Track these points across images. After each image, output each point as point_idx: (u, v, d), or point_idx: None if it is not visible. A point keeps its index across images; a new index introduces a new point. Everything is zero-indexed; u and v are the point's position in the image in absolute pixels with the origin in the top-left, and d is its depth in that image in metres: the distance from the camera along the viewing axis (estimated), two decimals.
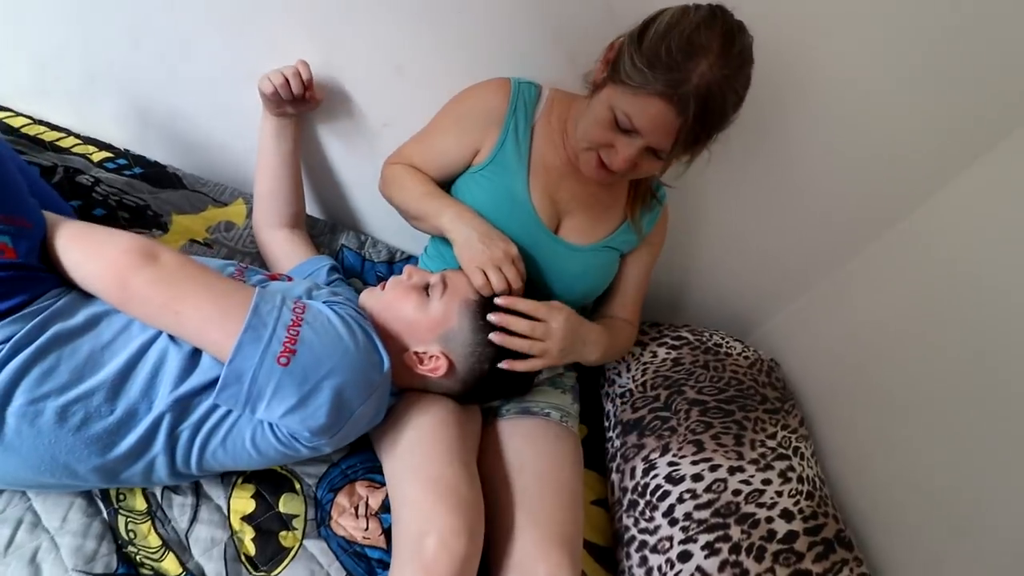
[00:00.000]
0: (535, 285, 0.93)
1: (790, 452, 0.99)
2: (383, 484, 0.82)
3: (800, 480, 0.95)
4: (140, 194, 1.03)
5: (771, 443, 0.99)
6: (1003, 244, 0.93)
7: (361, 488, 0.84)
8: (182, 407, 0.63)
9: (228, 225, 1.06)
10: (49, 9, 0.97)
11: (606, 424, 1.10)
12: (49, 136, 1.05)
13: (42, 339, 0.59)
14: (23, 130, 1.03)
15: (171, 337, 0.65)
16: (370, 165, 1.04)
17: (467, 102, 0.93)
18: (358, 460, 0.85)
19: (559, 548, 0.76)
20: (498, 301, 0.79)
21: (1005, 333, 0.90)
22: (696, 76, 0.67)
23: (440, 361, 0.78)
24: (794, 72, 0.92)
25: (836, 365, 1.19)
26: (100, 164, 1.05)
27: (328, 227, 1.19)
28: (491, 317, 0.78)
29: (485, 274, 0.79)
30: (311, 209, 1.19)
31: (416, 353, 0.79)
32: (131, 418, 0.62)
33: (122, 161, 1.08)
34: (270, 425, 0.66)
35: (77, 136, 1.08)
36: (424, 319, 0.79)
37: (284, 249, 0.98)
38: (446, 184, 0.97)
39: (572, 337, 0.85)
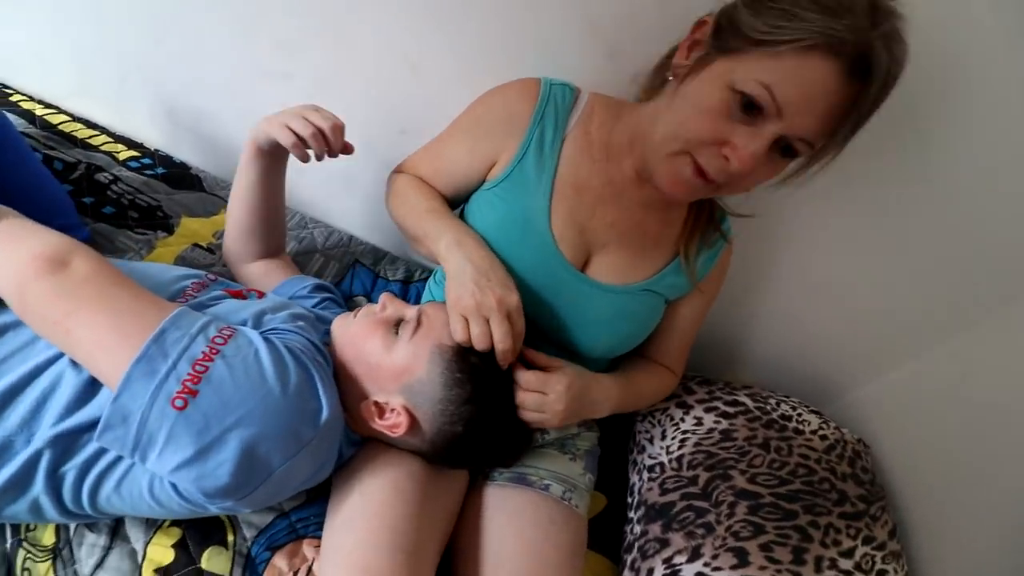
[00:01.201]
0: (544, 337, 0.74)
1: (871, 574, 0.72)
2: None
3: None
4: (155, 194, 0.98)
5: (846, 563, 0.72)
6: None
7: (308, 548, 0.69)
8: (64, 445, 0.52)
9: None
10: (83, 10, 0.95)
11: (629, 500, 0.87)
12: (83, 133, 1.04)
13: None
14: (60, 127, 1.03)
15: (73, 361, 0.55)
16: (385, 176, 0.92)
17: (487, 105, 0.76)
18: (313, 512, 0.70)
19: None
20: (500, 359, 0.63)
21: None
22: (879, 34, 0.49)
23: (400, 417, 0.62)
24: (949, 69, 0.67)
25: (946, 455, 0.88)
26: (124, 162, 1.02)
27: (345, 239, 1.08)
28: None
29: (468, 327, 0.62)
30: (329, 219, 1.09)
31: (376, 403, 0.63)
32: (5, 450, 0.51)
33: (147, 160, 1.04)
34: (169, 481, 0.53)
35: (110, 134, 1.06)
36: (387, 363, 0.63)
37: (262, 279, 0.84)
38: (459, 203, 0.81)
39: (577, 405, 0.67)
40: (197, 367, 0.51)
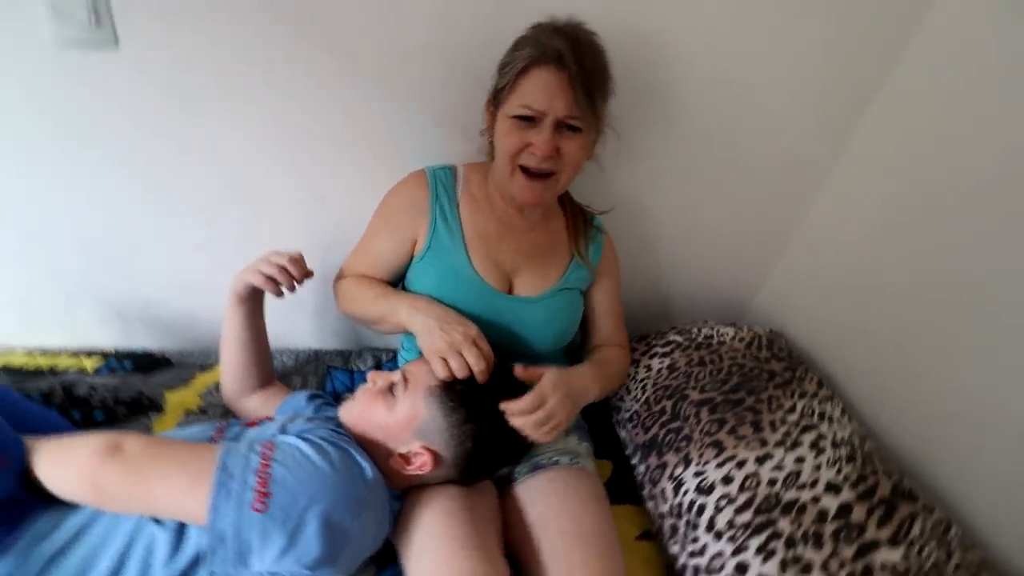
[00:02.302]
0: (506, 351, 0.90)
1: (815, 420, 0.92)
2: None
3: (835, 445, 0.87)
4: (133, 386, 1.05)
5: (792, 417, 0.92)
6: (954, 129, 0.91)
7: None
8: None
9: (217, 386, 1.07)
10: (7, 252, 1.03)
11: (627, 454, 1.03)
12: (45, 363, 1.09)
13: (31, 567, 0.58)
14: (22, 369, 1.08)
15: (155, 520, 0.64)
16: (324, 290, 1.06)
17: (392, 201, 0.95)
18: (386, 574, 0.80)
19: None
20: (507, 406, 0.76)
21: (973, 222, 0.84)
22: (559, 36, 0.76)
23: (424, 456, 0.75)
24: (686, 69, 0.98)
25: (836, 312, 1.12)
26: (95, 371, 1.08)
27: (311, 356, 1.19)
28: (511, 408, 0.75)
29: (445, 363, 0.77)
30: (291, 343, 1.20)
31: (401, 455, 0.76)
32: None
33: (112, 362, 1.11)
34: (270, 573, 0.63)
35: (70, 353, 1.12)
36: (394, 421, 0.76)
37: (263, 409, 0.95)
38: (398, 281, 0.97)
39: (572, 398, 0.81)
40: (260, 475, 0.62)
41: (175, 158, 0.95)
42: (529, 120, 0.79)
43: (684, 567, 0.81)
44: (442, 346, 0.77)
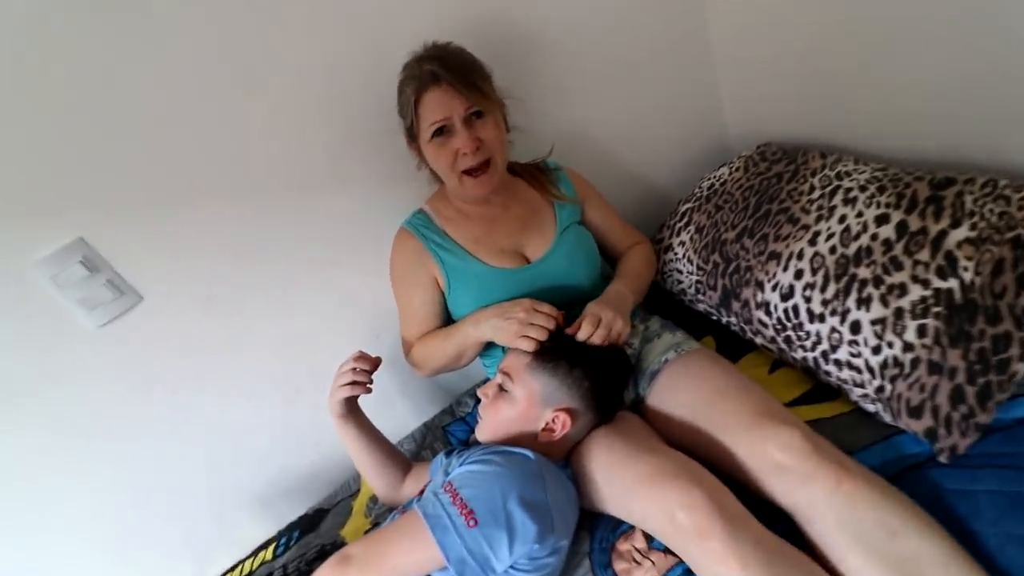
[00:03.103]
0: (563, 306, 1.02)
1: (836, 181, 1.01)
2: (632, 526, 0.87)
3: (863, 188, 0.96)
4: (312, 544, 1.19)
5: (815, 194, 1.01)
6: None
7: (621, 545, 0.89)
8: None
9: (373, 499, 1.21)
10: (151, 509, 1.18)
11: (714, 319, 1.13)
12: None
13: None
14: None
15: None
16: (394, 368, 1.20)
17: (398, 266, 1.09)
18: (599, 532, 0.91)
19: (767, 420, 0.79)
20: (577, 335, 0.90)
21: None
22: (425, 61, 0.93)
23: (561, 416, 0.86)
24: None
25: (796, 87, 1.23)
26: (275, 556, 1.23)
27: (423, 430, 1.32)
28: (580, 335, 0.89)
29: (527, 337, 0.89)
30: (403, 440, 1.33)
31: (543, 429, 0.88)
32: None
33: (284, 540, 1.25)
34: (513, 567, 0.75)
35: (249, 557, 1.27)
36: (520, 407, 0.88)
37: (418, 488, 1.06)
38: (448, 320, 1.11)
39: (614, 305, 0.94)
40: (457, 503, 0.75)
41: (228, 347, 1.10)
42: (443, 133, 0.95)
43: (816, 361, 0.91)
44: (515, 329, 0.89)
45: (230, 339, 1.09)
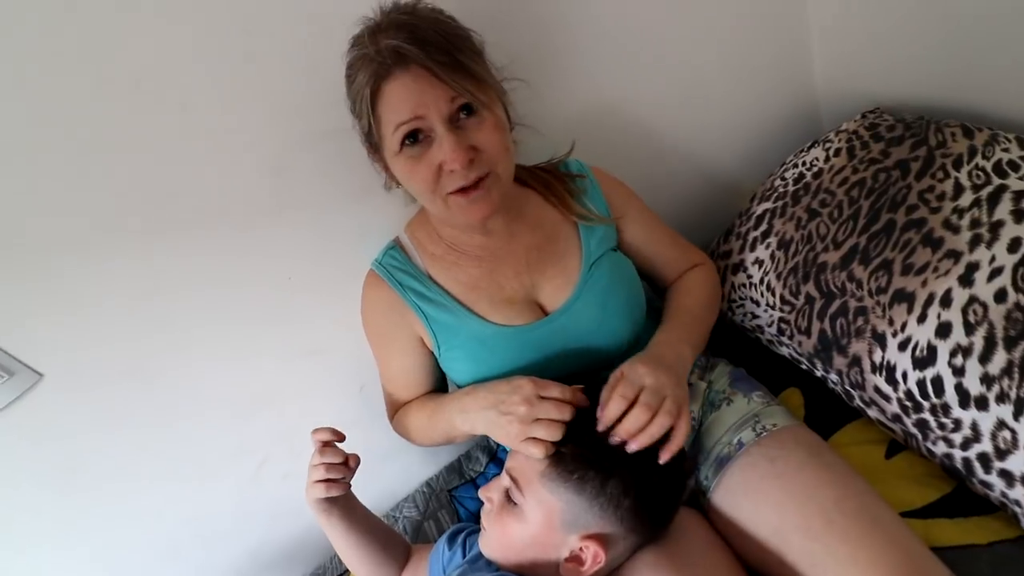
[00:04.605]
0: (590, 372, 0.80)
1: (995, 177, 0.73)
2: None
3: None
4: None
5: (965, 199, 0.73)
6: None
7: None
8: None
9: None
10: None
11: (805, 369, 0.88)
12: None
13: None
14: None
15: None
16: (384, 428, 1.01)
17: (371, 322, 0.89)
18: None
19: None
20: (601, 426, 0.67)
21: None
22: (383, 33, 0.66)
23: (592, 545, 0.65)
24: None
25: (914, 36, 0.91)
26: None
27: (426, 491, 1.15)
28: (612, 440, 0.66)
29: (535, 440, 0.67)
30: (403, 504, 1.16)
31: (568, 559, 0.67)
32: None
33: None
34: None
35: None
36: (534, 529, 0.67)
37: None
38: (441, 379, 0.91)
39: (666, 370, 0.69)
40: None
41: (165, 420, 0.93)
42: (417, 141, 0.69)
43: (968, 464, 0.65)
44: (517, 429, 0.67)
45: (169, 410, 0.91)
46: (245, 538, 1.10)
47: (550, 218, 0.84)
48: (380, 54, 0.66)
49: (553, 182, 0.84)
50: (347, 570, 1.11)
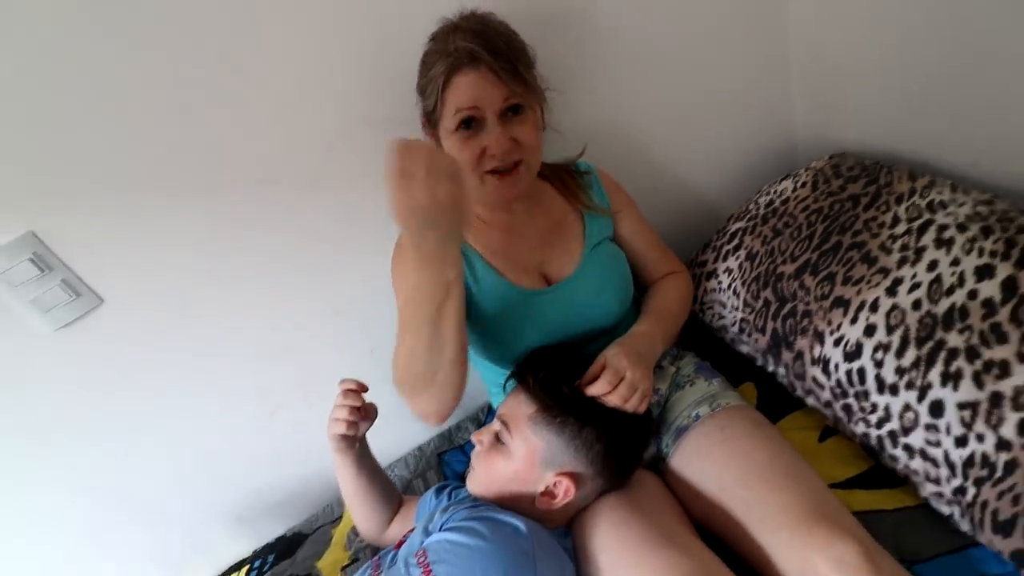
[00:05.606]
0: (582, 338, 0.94)
1: (927, 214, 0.88)
2: None
3: (962, 228, 0.83)
4: (287, 573, 1.16)
5: (900, 228, 0.89)
6: None
7: None
8: None
9: (354, 530, 1.16)
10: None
11: (759, 365, 1.02)
12: None
13: None
14: None
15: None
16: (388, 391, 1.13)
17: (401, 274, 0.99)
18: None
19: (817, 524, 0.69)
20: (590, 390, 0.80)
21: None
22: (461, 35, 0.81)
23: (564, 482, 0.78)
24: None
25: (882, 92, 1.09)
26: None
27: (417, 454, 1.27)
28: (594, 390, 0.79)
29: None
30: (396, 463, 1.28)
31: (542, 493, 0.80)
32: None
33: (257, 563, 1.22)
34: None
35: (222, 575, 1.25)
36: (517, 465, 0.80)
37: (404, 529, 0.99)
38: None
39: (640, 356, 0.83)
40: None
41: (201, 355, 1.05)
42: (471, 126, 0.84)
43: (880, 441, 0.80)
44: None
45: (203, 347, 1.04)
46: (252, 478, 1.22)
47: (561, 206, 0.98)
48: (457, 51, 0.81)
49: (566, 177, 0.99)
50: (339, 517, 1.22)
